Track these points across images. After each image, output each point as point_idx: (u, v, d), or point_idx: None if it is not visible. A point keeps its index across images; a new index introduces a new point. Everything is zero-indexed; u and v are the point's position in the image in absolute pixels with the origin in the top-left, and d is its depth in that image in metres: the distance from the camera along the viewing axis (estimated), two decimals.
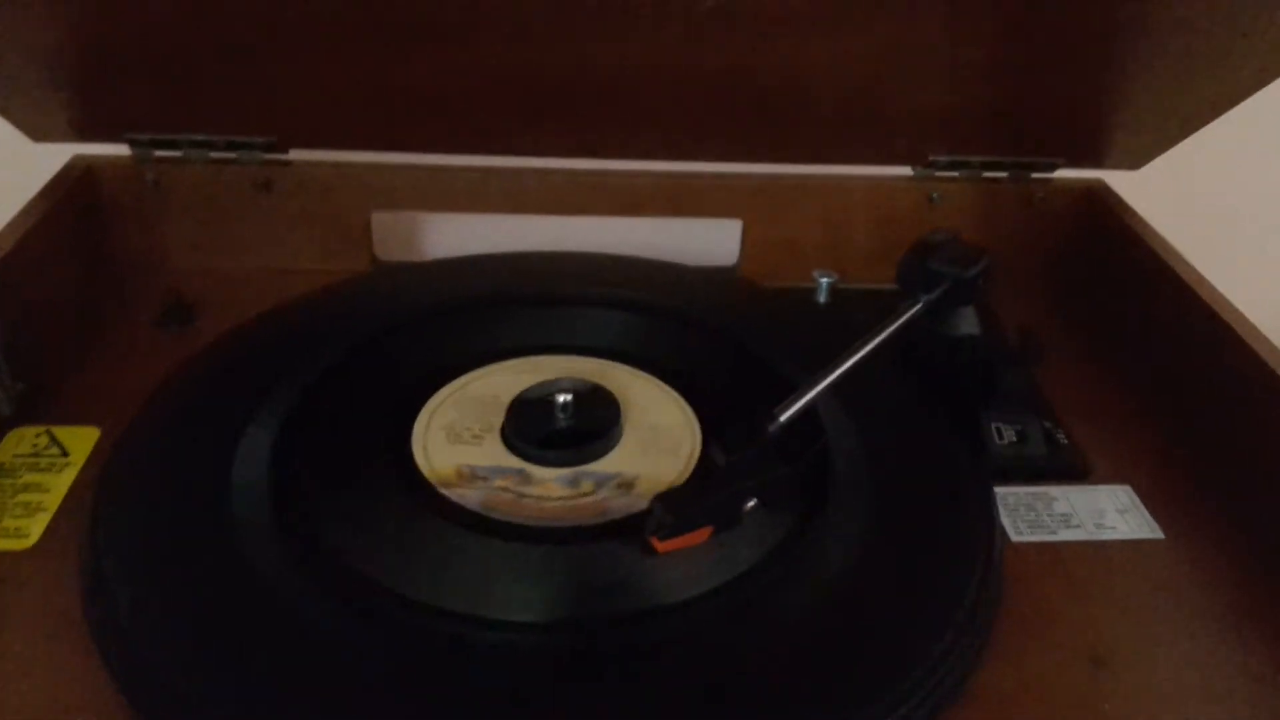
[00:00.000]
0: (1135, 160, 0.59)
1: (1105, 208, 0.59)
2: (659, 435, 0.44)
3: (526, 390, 0.44)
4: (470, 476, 0.41)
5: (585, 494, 0.41)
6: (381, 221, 0.60)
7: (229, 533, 0.38)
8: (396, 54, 0.51)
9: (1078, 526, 0.44)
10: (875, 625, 0.37)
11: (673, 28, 0.48)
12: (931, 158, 0.59)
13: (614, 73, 0.52)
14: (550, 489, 0.41)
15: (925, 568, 0.39)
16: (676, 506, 0.37)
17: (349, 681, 0.33)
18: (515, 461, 0.42)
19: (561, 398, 0.44)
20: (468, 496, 0.40)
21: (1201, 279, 0.51)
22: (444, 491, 0.40)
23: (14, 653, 0.35)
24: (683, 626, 0.36)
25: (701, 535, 0.37)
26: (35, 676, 0.34)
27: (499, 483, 0.41)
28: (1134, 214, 0.57)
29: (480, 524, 0.39)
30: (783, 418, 0.42)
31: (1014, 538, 0.43)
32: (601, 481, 0.42)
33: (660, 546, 0.37)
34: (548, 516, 0.40)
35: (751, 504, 0.38)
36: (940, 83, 0.53)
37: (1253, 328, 0.47)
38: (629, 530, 0.38)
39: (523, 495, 0.41)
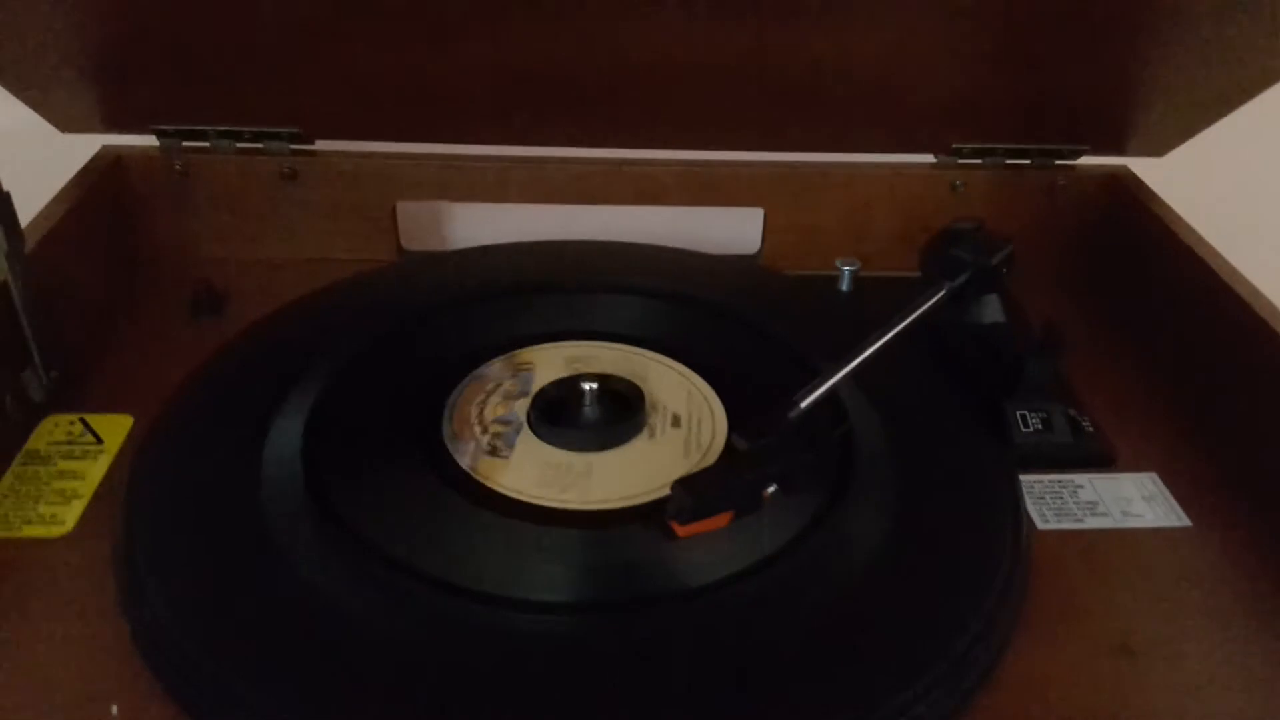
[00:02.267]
0: (1159, 147, 0.59)
1: (1129, 195, 0.58)
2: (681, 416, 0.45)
3: (547, 388, 0.45)
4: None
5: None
6: (406, 211, 0.60)
7: (260, 519, 0.38)
8: (420, 46, 0.51)
9: (1104, 514, 0.44)
10: (902, 612, 0.37)
11: (694, 15, 0.48)
12: (954, 145, 0.58)
13: (634, 62, 0.52)
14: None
15: (952, 555, 0.39)
16: (696, 491, 0.37)
17: (384, 667, 0.33)
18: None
19: (587, 386, 0.44)
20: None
21: (1227, 264, 0.51)
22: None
23: (50, 637, 0.36)
24: (707, 611, 0.36)
25: (722, 520, 0.38)
26: (70, 662, 0.35)
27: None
28: (1159, 200, 0.57)
29: (512, 510, 0.39)
30: (803, 404, 0.42)
31: (1040, 525, 0.43)
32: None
33: (680, 530, 0.37)
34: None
35: (772, 490, 0.38)
36: (961, 70, 0.53)
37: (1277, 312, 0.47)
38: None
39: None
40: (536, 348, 0.49)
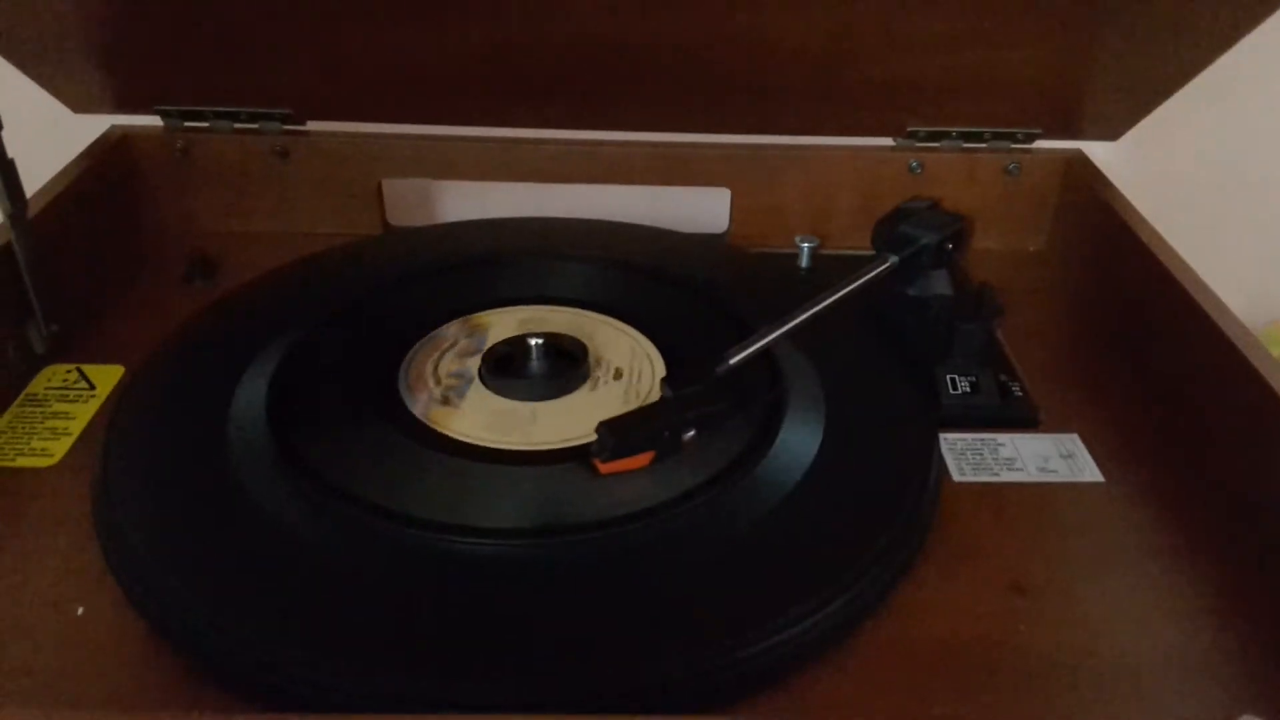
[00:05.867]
0: (1112, 130, 0.60)
1: (1081, 177, 0.60)
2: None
3: (498, 345, 0.48)
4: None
5: None
6: (395, 188, 0.64)
7: (225, 450, 0.42)
8: (403, 34, 0.55)
9: (1020, 469, 0.46)
10: (806, 540, 0.39)
11: (656, 3, 0.52)
12: (910, 128, 0.61)
13: (604, 49, 0.55)
14: None
15: (861, 495, 0.42)
16: (618, 432, 0.40)
17: (335, 587, 0.37)
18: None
19: (533, 341, 0.47)
20: None
21: (1165, 246, 0.52)
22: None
23: (30, 550, 0.40)
24: (622, 540, 0.39)
25: (643, 460, 0.41)
26: (45, 571, 0.39)
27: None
28: (1107, 183, 0.59)
29: (457, 450, 0.43)
30: (734, 360, 0.45)
31: (956, 477, 0.45)
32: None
33: (603, 468, 0.40)
34: None
35: (690, 434, 0.41)
36: (913, 54, 0.55)
37: (1210, 293, 0.48)
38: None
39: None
40: (491, 311, 0.52)
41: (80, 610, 0.37)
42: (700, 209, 0.65)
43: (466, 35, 0.55)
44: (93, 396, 0.48)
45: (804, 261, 0.61)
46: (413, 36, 0.55)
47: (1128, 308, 0.54)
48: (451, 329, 0.51)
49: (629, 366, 0.48)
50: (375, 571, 0.37)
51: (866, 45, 0.55)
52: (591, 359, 0.48)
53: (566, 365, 0.47)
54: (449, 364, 0.48)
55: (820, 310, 0.48)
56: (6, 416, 0.47)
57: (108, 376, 0.50)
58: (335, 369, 0.47)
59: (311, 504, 0.39)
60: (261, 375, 0.45)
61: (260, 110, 0.60)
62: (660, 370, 0.48)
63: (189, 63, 0.57)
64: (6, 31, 0.53)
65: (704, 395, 0.42)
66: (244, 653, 0.34)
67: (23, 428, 0.46)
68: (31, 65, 0.56)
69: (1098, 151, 0.63)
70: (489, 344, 0.49)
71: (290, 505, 0.39)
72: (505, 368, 0.47)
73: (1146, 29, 0.52)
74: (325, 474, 0.40)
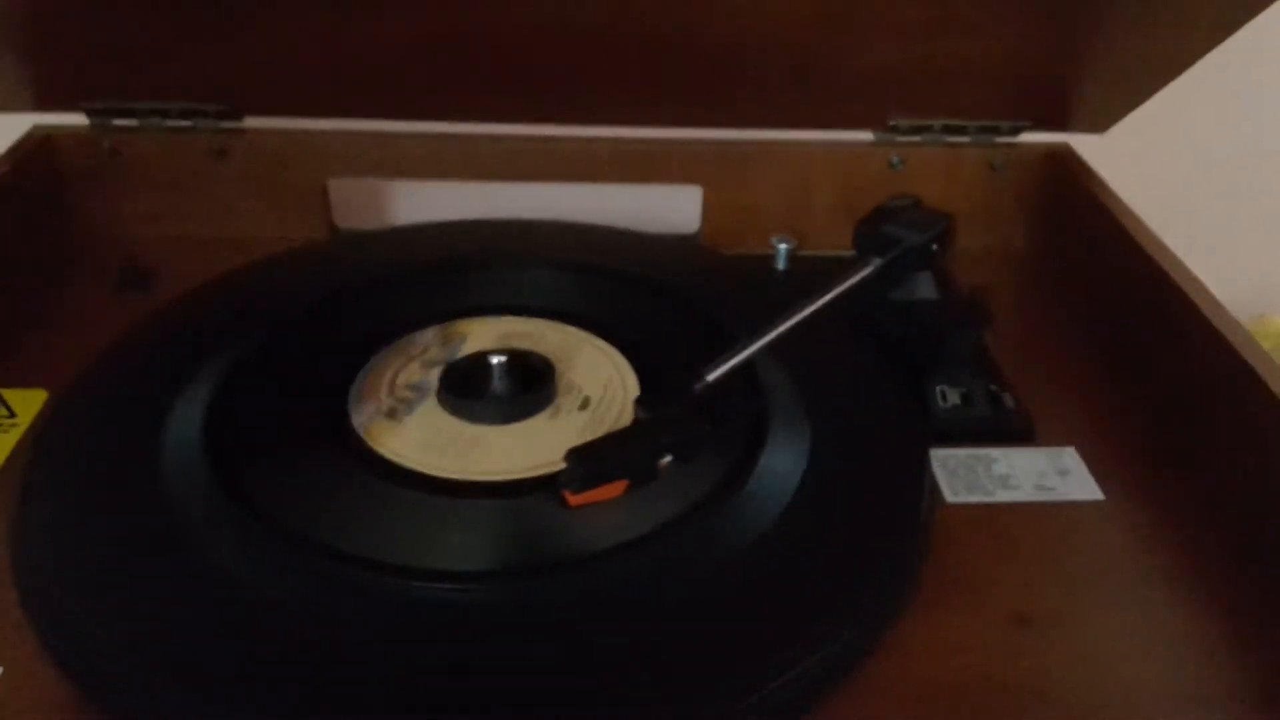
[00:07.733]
0: (1101, 123, 0.58)
1: (1067, 171, 0.58)
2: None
3: (462, 359, 0.45)
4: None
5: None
6: (342, 189, 0.60)
7: (161, 488, 0.38)
8: (350, 20, 0.51)
9: (1016, 488, 0.43)
10: (794, 577, 0.36)
11: None
12: (891, 121, 0.58)
13: (566, 36, 0.52)
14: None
15: (849, 524, 0.39)
16: (589, 460, 0.37)
17: (278, 637, 0.33)
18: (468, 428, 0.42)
19: (495, 360, 0.44)
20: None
21: (1159, 243, 0.50)
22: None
23: None
24: (601, 577, 0.36)
25: (616, 489, 0.37)
26: None
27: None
28: (1094, 177, 0.56)
29: (415, 482, 0.39)
30: (710, 377, 0.42)
31: (950, 499, 0.43)
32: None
33: (572, 499, 0.37)
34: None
35: (667, 460, 0.38)
36: (895, 42, 0.52)
37: (1207, 294, 0.46)
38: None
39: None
40: (476, 319, 0.48)
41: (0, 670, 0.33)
42: (667, 208, 0.62)
43: (419, 21, 0.51)
44: (14, 425, 0.44)
45: (780, 263, 0.58)
46: (361, 23, 0.51)
47: (1119, 309, 0.51)
48: (428, 335, 0.47)
49: (600, 396, 0.45)
50: (323, 618, 0.33)
51: (847, 31, 0.51)
52: (561, 384, 0.44)
53: (529, 388, 0.43)
54: (411, 374, 0.44)
55: (801, 320, 0.45)
56: None
57: (30, 402, 0.45)
58: (286, 383, 0.44)
59: (253, 548, 0.36)
60: (198, 399, 0.42)
61: (194, 106, 0.56)
62: (632, 395, 0.45)
63: (114, 55, 0.53)
64: None
65: (681, 416, 0.39)
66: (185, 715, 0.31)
67: None
68: None
69: (1077, 145, 0.60)
70: (460, 356, 0.45)
71: (231, 548, 0.36)
72: (465, 386, 0.43)
73: (1143, 16, 0.49)
74: (265, 508, 0.37)
